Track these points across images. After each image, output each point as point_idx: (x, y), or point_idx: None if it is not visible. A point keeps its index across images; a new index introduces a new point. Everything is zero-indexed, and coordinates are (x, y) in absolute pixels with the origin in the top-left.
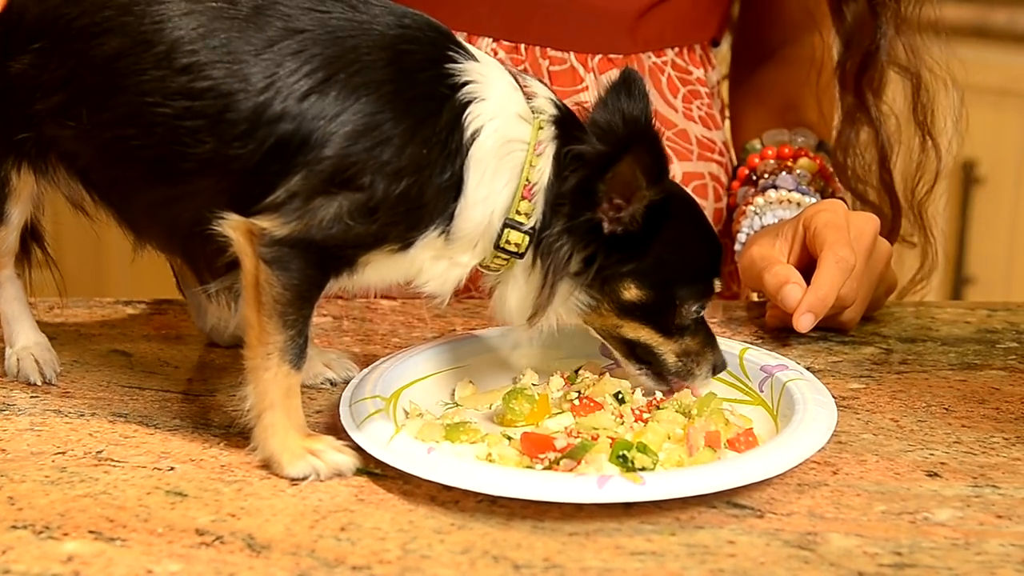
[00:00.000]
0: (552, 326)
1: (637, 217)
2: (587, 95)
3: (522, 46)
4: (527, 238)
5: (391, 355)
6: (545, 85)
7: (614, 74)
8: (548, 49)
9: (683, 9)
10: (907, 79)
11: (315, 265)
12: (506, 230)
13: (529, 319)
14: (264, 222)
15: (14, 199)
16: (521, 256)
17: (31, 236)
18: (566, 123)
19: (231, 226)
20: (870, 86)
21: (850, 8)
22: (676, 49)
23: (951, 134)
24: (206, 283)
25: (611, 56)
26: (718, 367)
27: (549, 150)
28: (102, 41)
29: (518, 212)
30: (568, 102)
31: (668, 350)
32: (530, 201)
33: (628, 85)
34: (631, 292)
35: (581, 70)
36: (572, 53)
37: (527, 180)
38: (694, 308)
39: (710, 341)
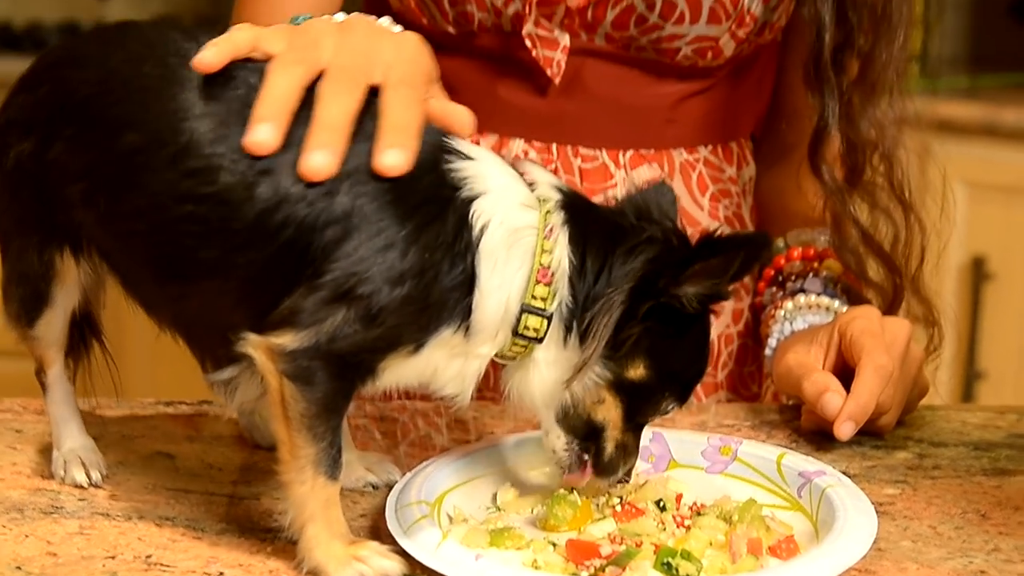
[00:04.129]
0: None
1: (694, 302)
2: (617, 192)
3: (554, 145)
4: (546, 322)
5: (433, 459)
6: (545, 171)
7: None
8: (580, 147)
9: (717, 103)
10: (877, 155)
11: (337, 376)
12: (524, 315)
13: (566, 383)
14: (280, 338)
15: (59, 282)
16: (540, 341)
17: (88, 328)
18: (575, 207)
19: (252, 346)
20: (825, 161)
21: (823, 83)
22: (710, 146)
23: (938, 213)
24: (207, 372)
25: (642, 151)
26: (628, 476)
27: (562, 234)
28: (122, 134)
29: (534, 297)
30: (599, 198)
31: (615, 438)
32: (548, 285)
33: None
34: (638, 371)
35: (612, 166)
36: (604, 150)
37: (540, 265)
38: (668, 406)
39: (638, 449)
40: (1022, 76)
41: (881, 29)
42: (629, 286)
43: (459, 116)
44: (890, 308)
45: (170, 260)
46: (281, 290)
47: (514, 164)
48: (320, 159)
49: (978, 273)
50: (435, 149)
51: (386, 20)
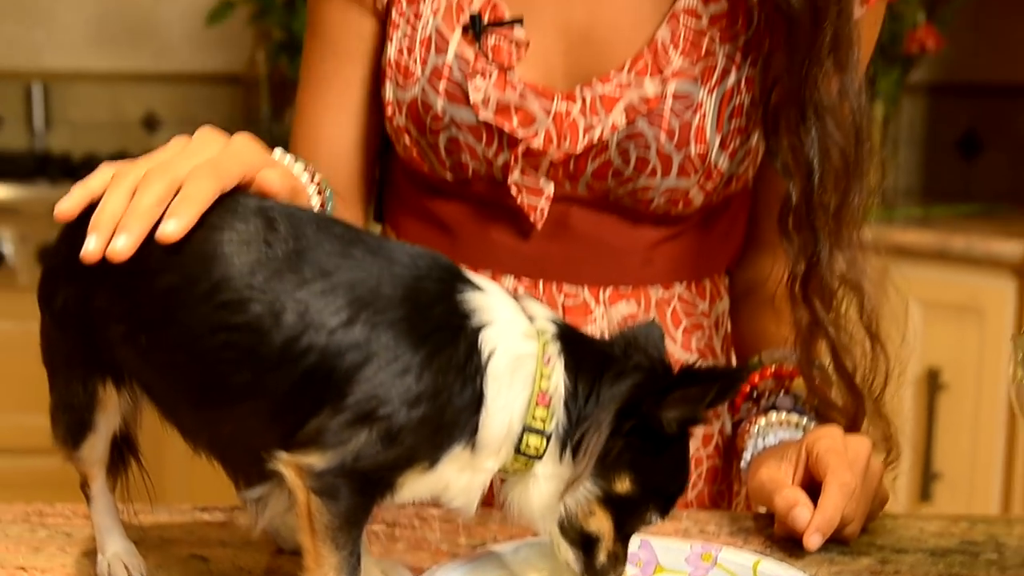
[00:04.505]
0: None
1: (673, 425)
2: (595, 327)
3: (540, 282)
4: (545, 441)
5: (441, 564)
6: (542, 305)
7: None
8: (564, 284)
9: (691, 245)
10: (852, 291)
11: (359, 492)
12: (526, 435)
13: (561, 495)
14: (308, 458)
15: (101, 410)
16: (540, 458)
17: (127, 447)
18: (569, 338)
19: (283, 464)
20: (818, 295)
21: (798, 231)
22: (684, 283)
23: (899, 341)
24: (240, 490)
25: (621, 289)
26: None
27: (559, 363)
28: (159, 277)
29: (534, 418)
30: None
31: (607, 548)
32: (547, 407)
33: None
34: (624, 485)
35: (592, 303)
36: (585, 287)
37: (540, 389)
38: (651, 518)
39: (626, 557)
40: (969, 207)
41: (854, 175)
42: (616, 407)
43: (267, 178)
44: (852, 426)
45: (207, 387)
46: (308, 410)
47: (517, 297)
48: (121, 242)
49: (932, 384)
50: (448, 281)
51: (278, 152)
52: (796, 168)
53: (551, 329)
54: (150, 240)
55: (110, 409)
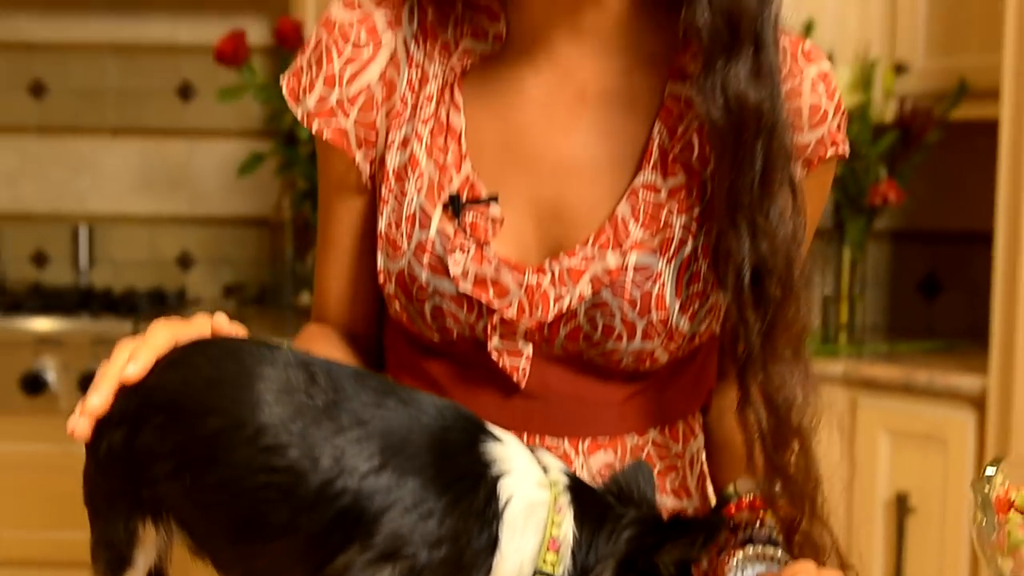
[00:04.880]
0: None
1: (671, 568)
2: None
3: (525, 435)
4: None
5: None
6: (555, 457)
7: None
8: (546, 437)
9: (661, 395)
10: (783, 402)
11: None
12: None
13: None
14: None
15: (140, 546)
16: None
17: None
18: (577, 490)
19: None
20: (765, 411)
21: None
22: (658, 428)
23: (834, 462)
24: None
25: (599, 439)
26: None
27: (568, 512)
28: (205, 419)
29: (545, 561)
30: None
31: None
32: (556, 553)
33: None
34: None
35: (572, 454)
36: (565, 439)
37: (552, 535)
38: None
39: None
40: (931, 343)
41: (787, 294)
42: (614, 563)
43: (221, 325)
44: (791, 530)
45: (246, 523)
46: (338, 546)
47: (532, 449)
48: (93, 400)
49: (901, 507)
50: (471, 433)
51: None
52: (738, 292)
53: (563, 480)
54: (198, 385)
55: (147, 545)
